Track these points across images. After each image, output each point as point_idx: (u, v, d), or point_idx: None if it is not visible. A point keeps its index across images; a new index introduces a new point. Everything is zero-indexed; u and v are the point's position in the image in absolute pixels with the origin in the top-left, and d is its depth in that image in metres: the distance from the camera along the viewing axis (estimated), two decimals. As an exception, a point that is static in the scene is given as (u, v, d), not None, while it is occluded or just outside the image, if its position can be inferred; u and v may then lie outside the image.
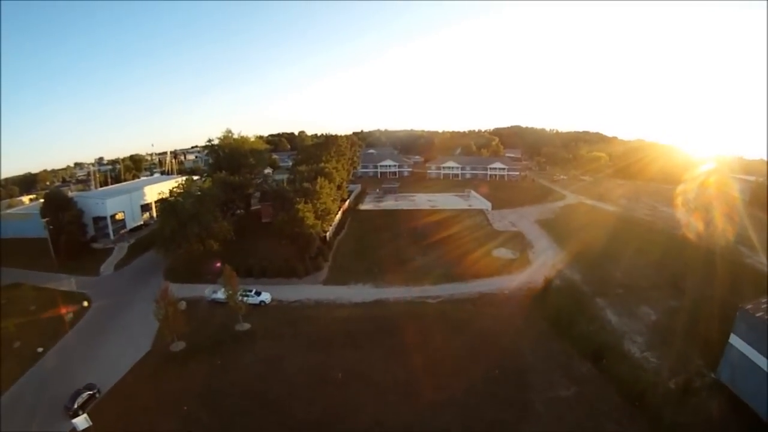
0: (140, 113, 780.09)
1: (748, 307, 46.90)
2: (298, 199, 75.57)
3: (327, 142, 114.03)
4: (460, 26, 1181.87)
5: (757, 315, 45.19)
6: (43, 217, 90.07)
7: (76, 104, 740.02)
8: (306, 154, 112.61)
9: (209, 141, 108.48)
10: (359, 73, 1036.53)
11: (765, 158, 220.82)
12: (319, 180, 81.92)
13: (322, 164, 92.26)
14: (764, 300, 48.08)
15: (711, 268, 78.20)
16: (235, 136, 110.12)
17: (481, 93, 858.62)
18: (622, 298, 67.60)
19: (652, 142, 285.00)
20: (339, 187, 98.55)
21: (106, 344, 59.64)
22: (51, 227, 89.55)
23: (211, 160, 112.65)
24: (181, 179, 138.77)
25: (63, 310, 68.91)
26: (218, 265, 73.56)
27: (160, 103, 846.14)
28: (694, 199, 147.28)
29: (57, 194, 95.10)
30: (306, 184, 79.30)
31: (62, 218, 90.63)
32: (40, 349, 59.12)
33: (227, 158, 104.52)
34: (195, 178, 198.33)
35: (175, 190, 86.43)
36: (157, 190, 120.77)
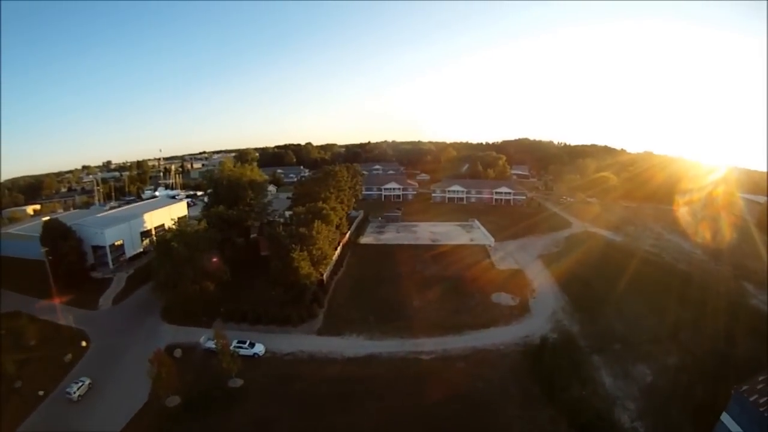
0: (151, 116, 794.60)
1: (744, 388, 45.67)
2: (293, 246, 74.81)
3: (326, 176, 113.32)
4: (470, 36, 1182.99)
5: (751, 399, 44.08)
6: (43, 244, 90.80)
7: (87, 105, 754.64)
8: (304, 190, 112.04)
9: (208, 173, 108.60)
10: (367, 83, 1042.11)
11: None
12: (316, 224, 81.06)
13: (320, 204, 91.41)
14: (761, 378, 46.84)
15: (714, 312, 76.82)
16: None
17: (491, 104, 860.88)
18: (619, 356, 66.23)
19: (660, 154, 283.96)
20: (338, 227, 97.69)
21: (104, 392, 60.87)
22: (50, 258, 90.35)
23: (210, 190, 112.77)
24: (181, 206, 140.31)
25: (63, 350, 70.21)
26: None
27: (171, 107, 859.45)
28: (701, 225, 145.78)
29: (56, 223, 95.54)
30: (302, 229, 78.53)
31: (61, 247, 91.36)
32: (41, 392, 60.63)
33: (226, 190, 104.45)
34: (199, 193, 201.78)
35: (171, 226, 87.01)
36: (157, 216, 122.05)
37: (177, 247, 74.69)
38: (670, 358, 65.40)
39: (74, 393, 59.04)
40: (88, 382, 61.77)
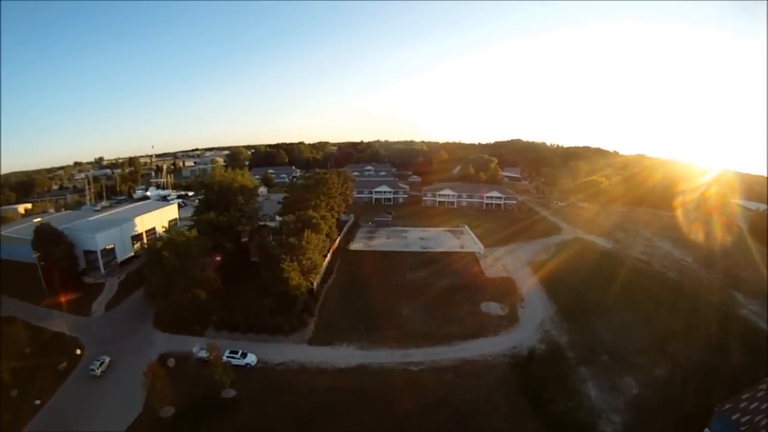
0: (144, 113, 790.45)
1: (726, 407, 46.93)
2: (283, 256, 75.15)
3: (317, 183, 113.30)
4: (465, 36, 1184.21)
5: (733, 418, 45.21)
6: (35, 249, 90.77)
7: (80, 101, 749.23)
8: (295, 196, 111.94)
9: (199, 178, 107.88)
10: (361, 82, 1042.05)
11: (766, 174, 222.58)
12: (306, 234, 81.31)
13: (310, 213, 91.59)
14: (744, 396, 48.05)
15: (702, 323, 78.03)
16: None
17: (484, 105, 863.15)
18: (606, 367, 67.21)
19: (652, 156, 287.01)
20: (328, 235, 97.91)
21: (99, 402, 61.10)
22: (42, 263, 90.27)
23: (201, 197, 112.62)
24: (172, 208, 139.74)
25: (57, 358, 70.45)
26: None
27: (164, 104, 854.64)
28: (693, 227, 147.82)
29: (47, 228, 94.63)
30: (292, 239, 78.79)
31: (54, 252, 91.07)
32: (37, 402, 60.80)
33: (216, 196, 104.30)
34: (190, 194, 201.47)
35: (162, 233, 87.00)
36: (148, 220, 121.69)
37: (168, 256, 74.81)
38: (656, 370, 66.51)
39: (97, 370, 66.88)
40: (108, 360, 69.50)
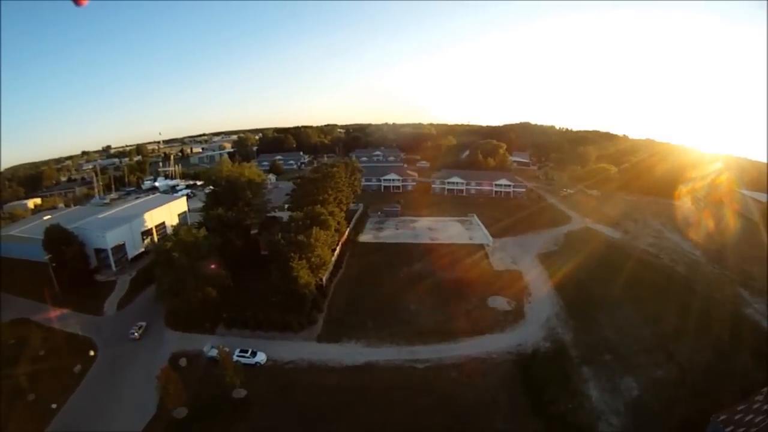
0: (151, 99, 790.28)
1: (722, 418, 47.28)
2: (292, 254, 76.01)
3: (324, 177, 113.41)
4: (475, 18, 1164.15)
5: (727, 430, 45.51)
6: (47, 251, 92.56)
7: (87, 88, 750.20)
8: (303, 191, 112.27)
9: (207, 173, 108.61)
10: (371, 63, 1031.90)
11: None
12: (314, 230, 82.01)
13: (318, 208, 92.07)
14: (740, 408, 48.28)
15: (708, 322, 77.13)
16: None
17: (493, 87, 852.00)
18: (608, 367, 67.53)
19: (661, 142, 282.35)
20: (337, 229, 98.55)
21: (114, 403, 62.64)
22: (54, 264, 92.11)
23: (208, 191, 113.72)
24: (181, 202, 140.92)
25: (71, 360, 71.79)
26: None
27: (171, 89, 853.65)
28: (703, 215, 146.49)
29: (58, 230, 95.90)
30: (300, 237, 79.54)
31: (65, 253, 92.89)
32: (54, 405, 62.08)
33: (224, 191, 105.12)
34: (198, 183, 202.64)
35: (171, 234, 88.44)
36: (157, 214, 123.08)
37: (178, 256, 75.97)
38: (658, 371, 66.43)
39: (136, 334, 78.56)
40: (144, 324, 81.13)
